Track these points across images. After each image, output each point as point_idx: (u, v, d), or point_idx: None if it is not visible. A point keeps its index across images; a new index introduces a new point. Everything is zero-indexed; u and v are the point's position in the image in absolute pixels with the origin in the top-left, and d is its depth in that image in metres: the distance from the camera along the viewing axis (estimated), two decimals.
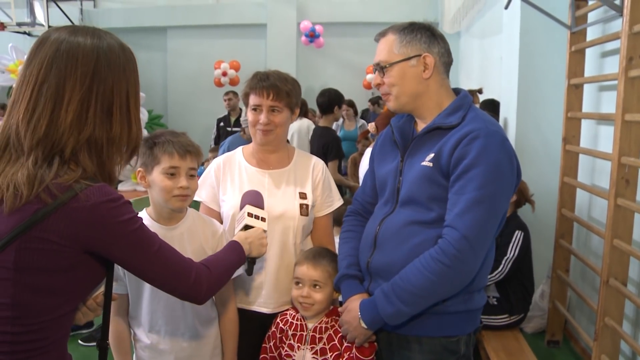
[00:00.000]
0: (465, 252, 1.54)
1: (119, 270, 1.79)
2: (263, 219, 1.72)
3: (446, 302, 1.65)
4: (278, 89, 1.94)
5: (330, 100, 4.87)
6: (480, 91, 5.05)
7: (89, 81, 1.16)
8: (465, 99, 1.72)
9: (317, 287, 1.84)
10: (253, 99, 1.98)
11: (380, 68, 1.71)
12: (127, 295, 1.81)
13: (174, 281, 1.30)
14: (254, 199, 1.78)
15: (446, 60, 1.73)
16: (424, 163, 1.66)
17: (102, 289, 1.31)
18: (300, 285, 1.85)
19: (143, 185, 1.76)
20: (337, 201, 2.14)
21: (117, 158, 1.24)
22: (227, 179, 2.05)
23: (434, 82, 1.70)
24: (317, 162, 2.12)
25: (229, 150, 3.27)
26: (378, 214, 1.80)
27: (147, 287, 1.75)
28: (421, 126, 1.75)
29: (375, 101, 8.36)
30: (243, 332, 2.03)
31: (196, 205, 2.13)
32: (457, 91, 1.77)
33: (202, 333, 1.86)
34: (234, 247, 1.57)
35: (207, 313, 1.88)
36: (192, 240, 1.81)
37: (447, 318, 1.67)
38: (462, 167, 1.57)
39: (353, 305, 1.71)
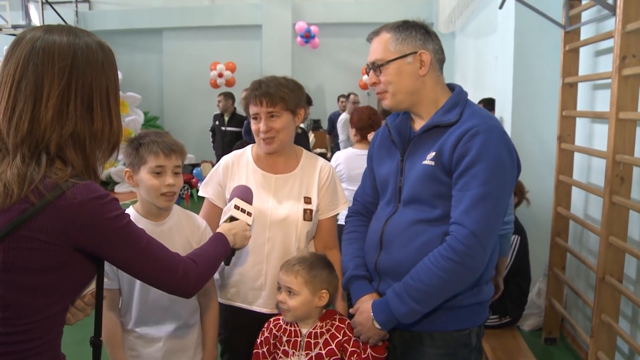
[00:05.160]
0: (474, 248, 1.54)
1: (111, 266, 1.82)
2: (249, 214, 1.72)
3: (457, 297, 1.65)
4: (271, 95, 1.96)
5: None
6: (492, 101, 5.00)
7: (67, 77, 1.16)
8: (461, 95, 1.73)
9: (291, 293, 1.81)
10: (251, 109, 2.01)
11: (376, 67, 1.71)
12: (119, 290, 1.86)
13: (162, 276, 1.30)
14: (243, 193, 1.78)
15: (440, 57, 1.73)
16: (425, 162, 1.66)
17: (90, 288, 1.32)
18: (281, 289, 1.86)
19: (131, 184, 1.84)
20: (342, 205, 2.13)
21: (99, 153, 1.25)
22: (235, 178, 2.06)
23: (429, 79, 1.70)
24: (324, 165, 2.12)
25: None
26: (381, 214, 1.80)
27: (138, 280, 1.79)
28: (418, 124, 1.75)
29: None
30: (242, 328, 2.06)
31: (201, 200, 2.15)
32: (451, 87, 1.77)
33: (189, 322, 1.92)
34: (219, 239, 1.56)
35: (194, 302, 1.94)
36: (179, 235, 1.87)
37: (458, 312, 1.68)
38: (464, 163, 1.58)
39: (365, 307, 1.70)
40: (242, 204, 1.73)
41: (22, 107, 1.14)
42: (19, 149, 1.14)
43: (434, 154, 1.64)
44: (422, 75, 1.69)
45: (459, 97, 1.72)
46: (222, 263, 1.66)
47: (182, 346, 1.90)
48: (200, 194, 2.13)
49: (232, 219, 1.68)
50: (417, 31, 1.69)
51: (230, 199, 1.76)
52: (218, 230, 1.62)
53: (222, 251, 1.54)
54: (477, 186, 1.56)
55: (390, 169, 1.79)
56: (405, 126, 1.79)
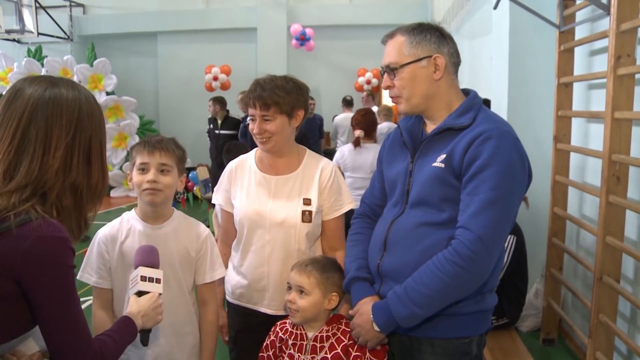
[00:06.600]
0: (479, 254, 1.52)
1: (105, 264, 1.84)
2: (158, 280, 1.58)
3: (459, 303, 1.62)
4: (264, 99, 1.95)
5: None
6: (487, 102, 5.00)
7: (73, 130, 1.22)
8: (475, 100, 1.71)
9: (303, 293, 1.80)
10: (249, 110, 2.03)
11: (390, 70, 1.69)
12: (112, 290, 1.86)
13: (71, 350, 1.20)
14: (147, 257, 1.62)
15: (455, 61, 1.72)
16: (435, 164, 1.63)
17: (39, 347, 1.25)
18: (291, 290, 1.85)
19: (130, 187, 1.89)
20: (348, 204, 2.11)
21: (91, 205, 1.29)
22: (238, 183, 2.10)
23: (444, 83, 1.68)
24: (325, 165, 2.10)
25: None
26: (387, 215, 1.78)
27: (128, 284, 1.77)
28: (430, 127, 1.74)
29: None
30: (250, 328, 2.09)
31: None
32: (466, 92, 1.76)
33: (182, 330, 1.90)
34: (127, 327, 1.43)
35: (188, 311, 1.93)
36: (177, 241, 1.87)
37: (459, 319, 1.65)
38: (474, 167, 1.56)
39: (365, 309, 1.68)
40: (148, 272, 1.58)
41: (33, 153, 1.18)
42: (20, 190, 1.16)
43: (444, 156, 1.62)
44: (437, 80, 1.67)
45: (473, 102, 1.70)
46: (140, 342, 1.55)
47: (173, 354, 1.88)
48: (213, 201, 2.20)
49: (140, 293, 1.55)
50: (432, 34, 1.68)
51: (134, 265, 1.62)
52: (126, 312, 1.50)
53: (129, 339, 1.42)
54: (487, 190, 1.53)
55: (399, 171, 1.77)
56: (417, 129, 1.78)
